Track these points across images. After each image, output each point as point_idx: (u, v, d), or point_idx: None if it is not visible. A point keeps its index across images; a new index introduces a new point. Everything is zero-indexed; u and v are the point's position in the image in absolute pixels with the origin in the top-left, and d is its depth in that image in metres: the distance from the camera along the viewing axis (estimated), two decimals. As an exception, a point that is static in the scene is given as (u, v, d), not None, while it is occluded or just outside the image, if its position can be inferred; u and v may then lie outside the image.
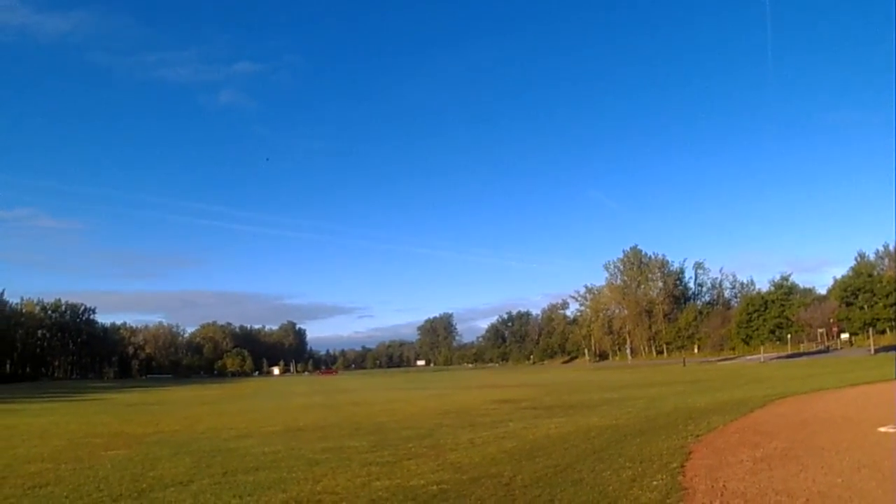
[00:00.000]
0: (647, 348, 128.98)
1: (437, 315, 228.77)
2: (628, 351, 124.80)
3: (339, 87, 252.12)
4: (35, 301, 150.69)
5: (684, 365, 70.44)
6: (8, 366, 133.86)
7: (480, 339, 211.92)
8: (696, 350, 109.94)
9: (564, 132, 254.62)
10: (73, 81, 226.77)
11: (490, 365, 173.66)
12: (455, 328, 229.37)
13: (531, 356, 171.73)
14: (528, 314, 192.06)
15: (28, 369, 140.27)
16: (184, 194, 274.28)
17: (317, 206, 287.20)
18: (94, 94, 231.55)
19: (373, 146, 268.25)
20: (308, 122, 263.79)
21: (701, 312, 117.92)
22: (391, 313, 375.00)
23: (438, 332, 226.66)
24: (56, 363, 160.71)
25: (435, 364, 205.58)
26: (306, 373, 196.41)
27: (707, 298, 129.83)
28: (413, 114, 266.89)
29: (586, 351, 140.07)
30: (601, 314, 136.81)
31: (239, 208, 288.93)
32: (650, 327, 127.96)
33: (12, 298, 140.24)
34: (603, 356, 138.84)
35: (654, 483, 7.75)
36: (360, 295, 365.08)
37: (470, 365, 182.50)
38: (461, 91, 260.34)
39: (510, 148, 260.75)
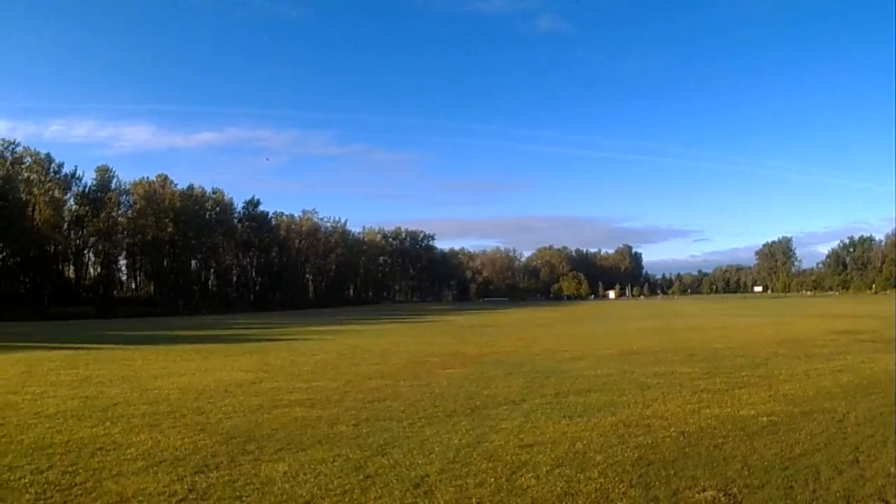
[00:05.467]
0: None
1: (776, 239, 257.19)
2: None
3: (658, 3, 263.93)
4: (376, 230, 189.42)
5: None
6: (352, 290, 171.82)
7: (820, 266, 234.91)
8: None
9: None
10: (389, 20, 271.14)
11: (829, 293, 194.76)
12: (794, 253, 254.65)
13: (873, 285, 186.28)
14: (870, 239, 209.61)
15: (370, 293, 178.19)
16: (516, 121, 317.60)
17: (650, 127, 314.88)
18: (413, 31, 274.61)
19: (694, 62, 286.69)
20: (628, 43, 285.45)
21: None
22: (728, 237, 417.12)
23: (776, 257, 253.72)
24: (397, 287, 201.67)
25: (772, 290, 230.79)
26: (642, 297, 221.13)
27: None
28: (735, 26, 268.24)
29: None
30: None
31: (570, 133, 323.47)
32: None
33: (354, 228, 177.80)
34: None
35: None
36: (695, 218, 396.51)
37: (808, 292, 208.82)
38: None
39: (848, 58, 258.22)
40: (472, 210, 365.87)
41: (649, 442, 8.15)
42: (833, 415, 9.60)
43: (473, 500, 6.14)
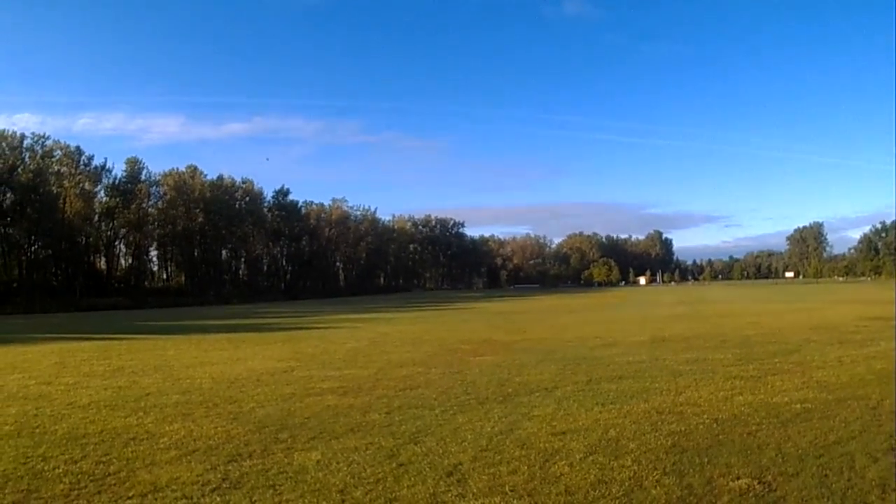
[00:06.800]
0: None
1: (807, 224, 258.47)
2: None
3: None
4: (406, 217, 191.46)
5: None
6: (382, 278, 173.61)
7: (851, 251, 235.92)
8: None
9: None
10: (416, 7, 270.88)
11: (861, 279, 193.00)
12: (825, 238, 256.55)
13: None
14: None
15: (401, 281, 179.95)
16: (544, 107, 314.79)
17: (679, 111, 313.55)
18: (440, 18, 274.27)
19: (724, 44, 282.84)
20: (655, 26, 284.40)
21: None
22: (759, 222, 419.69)
23: (808, 243, 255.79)
24: (427, 275, 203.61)
25: (804, 276, 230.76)
26: (673, 283, 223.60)
27: None
28: (765, 6, 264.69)
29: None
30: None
31: (598, 118, 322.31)
32: None
33: (384, 216, 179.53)
34: None
35: None
36: (726, 203, 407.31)
37: (840, 278, 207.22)
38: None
39: (881, 39, 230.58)
40: (502, 197, 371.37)
41: (682, 429, 8.18)
42: (867, 402, 9.60)
43: (507, 487, 6.13)
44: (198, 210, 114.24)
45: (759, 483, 6.08)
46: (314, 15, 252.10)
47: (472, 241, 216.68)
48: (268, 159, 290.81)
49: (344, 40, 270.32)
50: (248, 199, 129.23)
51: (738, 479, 6.21)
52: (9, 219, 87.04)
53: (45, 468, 7.05)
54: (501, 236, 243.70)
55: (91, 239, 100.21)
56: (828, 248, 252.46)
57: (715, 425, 8.36)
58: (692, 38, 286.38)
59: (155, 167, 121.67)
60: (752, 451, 7.13)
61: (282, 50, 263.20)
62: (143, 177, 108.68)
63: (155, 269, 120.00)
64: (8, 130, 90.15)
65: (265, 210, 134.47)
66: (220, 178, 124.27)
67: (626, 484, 6.16)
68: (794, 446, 7.30)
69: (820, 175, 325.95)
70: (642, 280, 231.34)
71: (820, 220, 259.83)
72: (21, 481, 6.60)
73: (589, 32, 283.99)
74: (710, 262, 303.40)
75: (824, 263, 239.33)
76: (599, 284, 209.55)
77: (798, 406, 9.44)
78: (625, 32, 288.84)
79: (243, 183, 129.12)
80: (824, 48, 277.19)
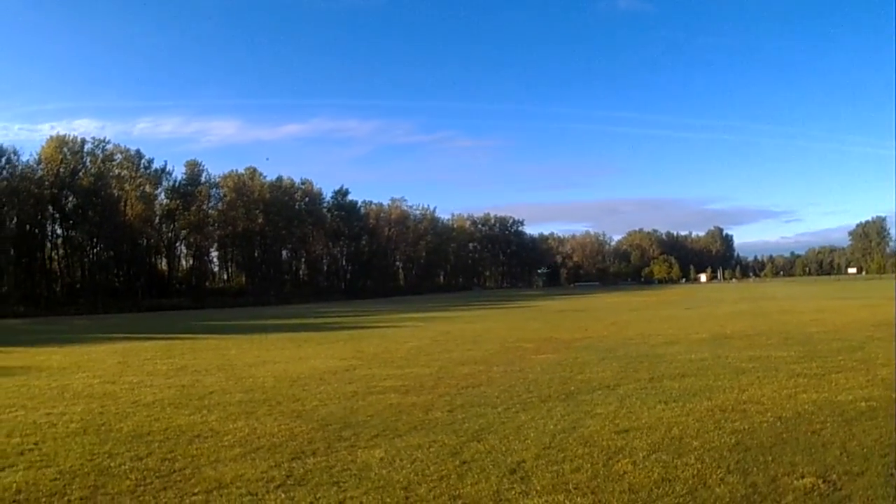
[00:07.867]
0: None
1: (869, 219, 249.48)
2: None
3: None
4: (465, 216, 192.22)
5: None
6: (442, 277, 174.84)
7: None
8: None
9: None
10: (468, 7, 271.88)
11: None
12: (888, 233, 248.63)
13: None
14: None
15: (460, 280, 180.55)
16: (599, 103, 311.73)
17: (737, 106, 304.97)
18: (492, 17, 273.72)
19: (779, 36, 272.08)
20: (710, 19, 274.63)
21: None
22: (819, 217, 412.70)
23: (870, 237, 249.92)
24: (486, 273, 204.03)
25: (867, 272, 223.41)
26: (734, 280, 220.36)
27: None
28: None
29: None
30: None
31: (655, 113, 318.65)
32: None
33: (444, 215, 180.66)
34: None
35: None
36: (786, 197, 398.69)
37: None
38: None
39: None
40: (560, 194, 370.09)
41: (746, 427, 8.15)
42: (931, 400, 9.29)
43: (570, 485, 6.14)
44: (258, 211, 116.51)
45: (823, 482, 6.03)
46: (369, 16, 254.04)
47: (532, 239, 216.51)
48: (267, 159, 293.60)
49: (399, 41, 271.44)
50: (307, 199, 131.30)
51: (803, 477, 6.18)
52: (71, 221, 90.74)
53: (112, 465, 7.29)
54: (561, 234, 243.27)
55: (152, 241, 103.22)
56: (891, 243, 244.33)
57: (779, 423, 8.33)
58: (748, 31, 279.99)
59: (213, 169, 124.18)
60: (817, 450, 7.10)
61: (336, 51, 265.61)
62: (202, 179, 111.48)
63: (216, 269, 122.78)
64: (69, 135, 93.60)
65: (324, 210, 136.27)
66: (280, 179, 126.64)
67: (690, 482, 6.14)
68: (858, 445, 7.22)
69: (881, 168, 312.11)
70: (703, 277, 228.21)
71: (883, 215, 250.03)
72: (88, 477, 6.85)
73: (643, 28, 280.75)
74: (771, 259, 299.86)
75: (888, 258, 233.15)
76: (660, 282, 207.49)
77: (863, 404, 9.35)
78: (679, 27, 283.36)
79: (302, 184, 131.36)
80: (878, 36, 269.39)
